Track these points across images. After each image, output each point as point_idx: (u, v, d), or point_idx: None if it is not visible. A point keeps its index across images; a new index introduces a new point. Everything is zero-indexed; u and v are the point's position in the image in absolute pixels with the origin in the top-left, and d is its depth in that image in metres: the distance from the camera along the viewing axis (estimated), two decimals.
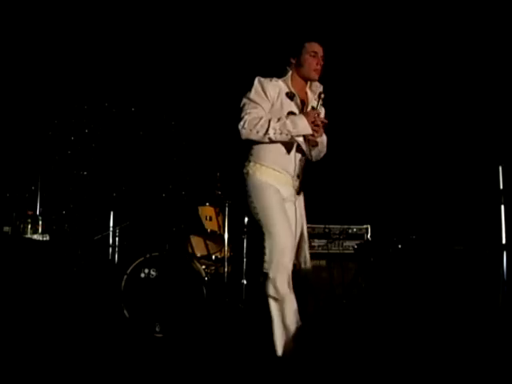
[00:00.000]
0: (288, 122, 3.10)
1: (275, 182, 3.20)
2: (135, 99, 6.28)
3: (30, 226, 5.00)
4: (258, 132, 3.09)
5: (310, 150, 3.24)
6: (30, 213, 5.14)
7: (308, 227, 5.48)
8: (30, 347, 3.60)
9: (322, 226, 5.50)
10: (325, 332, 4.34)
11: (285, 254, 3.09)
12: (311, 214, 5.68)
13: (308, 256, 3.35)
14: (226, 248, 4.96)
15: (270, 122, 3.09)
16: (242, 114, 3.13)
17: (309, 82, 3.36)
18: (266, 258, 3.09)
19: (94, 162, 6.26)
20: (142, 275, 4.67)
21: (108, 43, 5.95)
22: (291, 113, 3.19)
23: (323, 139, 3.34)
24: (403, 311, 4.62)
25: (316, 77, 3.29)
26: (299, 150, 3.26)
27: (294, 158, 3.24)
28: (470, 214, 5.36)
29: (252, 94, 3.17)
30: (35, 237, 4.94)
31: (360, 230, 5.46)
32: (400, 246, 5.23)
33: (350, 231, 5.46)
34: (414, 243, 5.20)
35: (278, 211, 3.14)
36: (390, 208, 5.71)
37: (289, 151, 3.21)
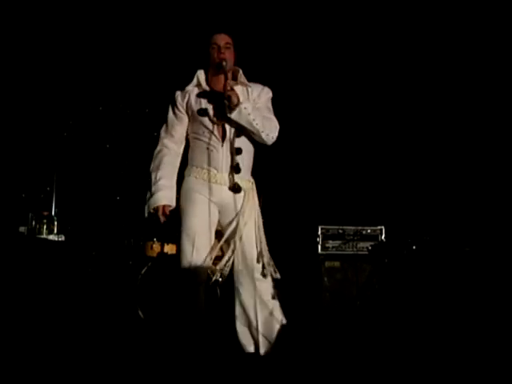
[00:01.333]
0: (153, 191, 3.24)
1: (205, 183, 3.19)
2: (150, 100, 6.30)
3: (45, 227, 5.03)
4: (151, 165, 3.32)
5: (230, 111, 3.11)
6: (45, 213, 5.17)
7: (322, 228, 5.52)
8: (44, 346, 3.62)
9: (337, 227, 5.48)
10: (339, 333, 4.33)
11: (191, 260, 3.16)
12: (326, 216, 5.69)
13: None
14: None
15: (157, 172, 3.26)
16: (160, 136, 3.35)
17: (231, 74, 3.21)
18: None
19: (109, 162, 6.29)
20: (157, 275, 4.69)
21: (123, 44, 5.97)
22: (201, 109, 3.18)
23: (252, 122, 3.15)
24: (417, 313, 4.60)
25: (219, 67, 3.15)
26: (232, 145, 3.18)
27: (222, 153, 3.17)
28: (484, 214, 5.32)
29: (168, 113, 3.33)
30: (51, 237, 4.97)
31: (374, 231, 5.43)
32: (414, 248, 5.21)
33: (364, 232, 5.44)
34: (429, 244, 5.17)
35: (196, 224, 3.17)
36: (404, 209, 5.68)
37: (214, 148, 3.18)
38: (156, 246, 5.10)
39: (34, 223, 4.99)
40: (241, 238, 3.19)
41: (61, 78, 6.13)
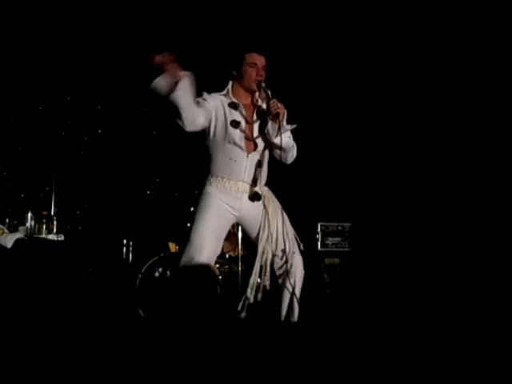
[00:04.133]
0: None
1: (227, 192, 3.27)
2: (148, 99, 6.30)
3: (44, 226, 5.03)
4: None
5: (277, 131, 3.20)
6: (44, 213, 5.17)
7: (321, 225, 5.52)
8: (44, 346, 3.63)
9: (336, 223, 5.49)
10: (340, 330, 4.34)
11: (194, 260, 3.17)
12: (325, 212, 5.69)
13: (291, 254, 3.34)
14: (240, 247, 4.98)
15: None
16: None
17: (257, 92, 3.39)
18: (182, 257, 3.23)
19: (108, 161, 6.29)
20: (157, 274, 4.70)
21: (121, 44, 5.97)
22: (234, 121, 3.25)
23: (289, 143, 3.32)
24: (415, 311, 4.60)
25: (255, 87, 3.33)
26: (254, 156, 3.30)
27: (245, 165, 3.29)
28: (483, 212, 5.32)
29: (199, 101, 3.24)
30: (50, 237, 4.97)
31: None
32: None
33: None
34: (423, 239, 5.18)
35: (209, 225, 3.21)
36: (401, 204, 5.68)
37: (237, 159, 3.28)
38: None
39: (33, 223, 4.99)
40: (275, 240, 3.30)
41: (59, 77, 6.13)
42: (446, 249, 5.06)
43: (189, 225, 5.08)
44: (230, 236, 4.96)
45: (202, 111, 3.21)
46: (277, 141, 3.23)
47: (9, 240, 4.58)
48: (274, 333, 3.42)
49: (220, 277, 4.53)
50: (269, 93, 3.29)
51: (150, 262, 4.73)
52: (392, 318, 4.55)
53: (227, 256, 5.07)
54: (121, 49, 6.03)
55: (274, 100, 3.23)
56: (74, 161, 6.26)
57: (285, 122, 3.26)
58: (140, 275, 4.62)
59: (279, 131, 3.19)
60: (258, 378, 2.99)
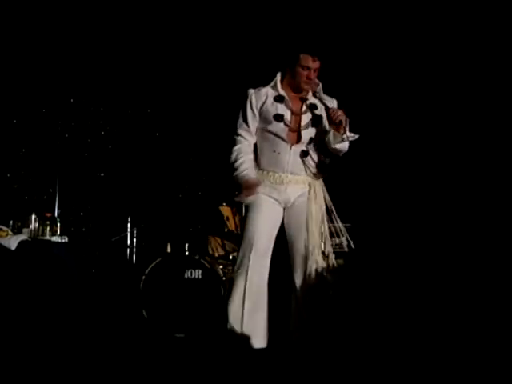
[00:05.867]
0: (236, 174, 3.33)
1: (271, 185, 3.34)
2: (151, 100, 6.30)
3: (48, 228, 5.03)
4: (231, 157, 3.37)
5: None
6: (48, 215, 5.17)
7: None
8: (49, 347, 3.63)
9: (340, 224, 5.46)
10: (344, 331, 4.32)
11: (248, 258, 3.28)
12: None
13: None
14: None
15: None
16: (236, 135, 3.42)
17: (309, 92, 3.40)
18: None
19: (111, 163, 6.29)
20: (161, 275, 4.70)
21: (124, 45, 5.98)
22: (277, 115, 3.30)
23: (346, 146, 3.37)
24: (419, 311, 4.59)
25: (306, 88, 3.34)
26: (298, 148, 3.34)
27: (289, 157, 3.33)
28: (484, 211, 5.29)
29: (246, 108, 3.38)
30: (54, 239, 4.96)
31: None
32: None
33: None
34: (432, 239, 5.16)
35: (260, 224, 3.31)
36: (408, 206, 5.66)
37: (281, 151, 3.33)
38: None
39: (37, 225, 4.99)
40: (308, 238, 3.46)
41: (62, 79, 6.13)
42: (447, 249, 5.05)
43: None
44: (234, 237, 4.95)
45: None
46: (339, 147, 3.30)
47: (13, 242, 4.59)
48: (279, 335, 3.41)
49: (224, 278, 4.53)
50: (326, 102, 3.32)
51: (154, 263, 4.73)
52: (394, 318, 4.55)
53: (231, 257, 5.05)
54: (124, 50, 6.04)
55: (334, 108, 3.27)
56: (78, 162, 6.26)
57: (347, 129, 3.26)
58: (144, 276, 4.61)
59: (342, 139, 3.25)
60: (260, 379, 2.99)
